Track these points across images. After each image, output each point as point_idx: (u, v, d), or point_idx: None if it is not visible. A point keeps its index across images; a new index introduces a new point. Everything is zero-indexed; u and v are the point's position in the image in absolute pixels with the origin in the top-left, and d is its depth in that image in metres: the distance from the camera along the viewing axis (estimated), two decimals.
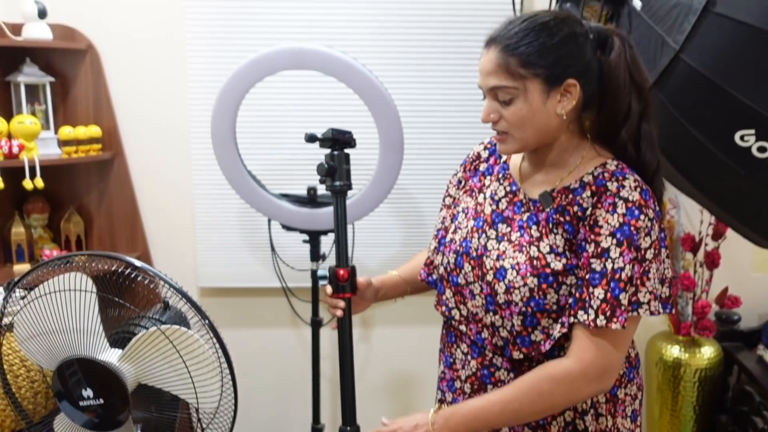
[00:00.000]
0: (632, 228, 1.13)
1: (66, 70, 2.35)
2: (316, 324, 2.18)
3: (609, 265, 1.13)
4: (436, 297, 1.37)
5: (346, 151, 1.35)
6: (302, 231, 2.08)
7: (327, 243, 2.17)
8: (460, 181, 1.43)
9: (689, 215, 2.45)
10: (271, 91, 2.26)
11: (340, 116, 2.31)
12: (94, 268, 1.40)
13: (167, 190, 2.45)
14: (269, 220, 2.22)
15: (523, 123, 1.18)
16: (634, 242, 1.12)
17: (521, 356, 1.22)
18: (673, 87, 1.59)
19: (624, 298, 1.12)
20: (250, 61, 1.84)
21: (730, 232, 2.33)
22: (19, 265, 2.26)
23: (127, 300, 1.39)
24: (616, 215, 1.14)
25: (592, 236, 1.15)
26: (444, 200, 1.46)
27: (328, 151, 1.34)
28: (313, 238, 2.09)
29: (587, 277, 1.14)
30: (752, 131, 1.48)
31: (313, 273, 2.14)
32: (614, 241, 1.13)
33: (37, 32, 2.19)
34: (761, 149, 1.49)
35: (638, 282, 1.13)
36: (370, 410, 1.72)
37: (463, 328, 1.30)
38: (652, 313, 1.15)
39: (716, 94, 1.51)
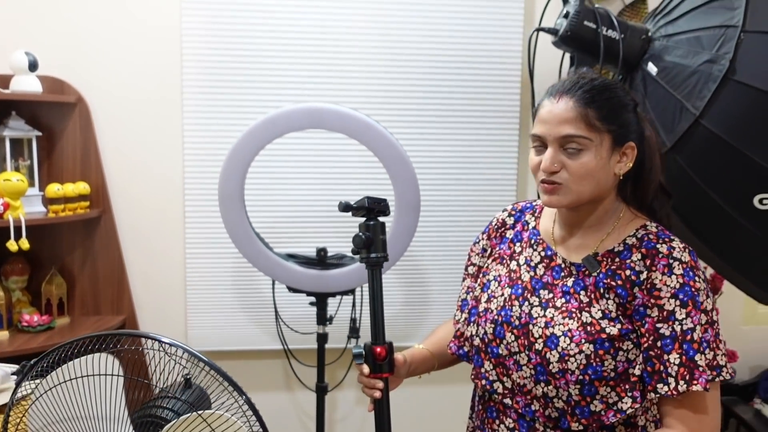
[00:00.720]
0: (693, 289, 1.13)
1: (53, 123, 2.24)
2: (321, 390, 2.09)
3: (678, 327, 1.11)
4: (473, 371, 1.32)
5: (381, 219, 1.31)
6: (309, 293, 2.00)
7: (333, 305, 2.09)
8: (484, 249, 1.40)
9: None
10: (280, 148, 2.20)
11: (349, 174, 2.28)
12: (108, 347, 1.29)
13: (156, 249, 2.34)
14: (273, 282, 2.14)
15: (587, 175, 1.17)
16: (698, 303, 1.12)
17: (580, 428, 1.17)
18: (692, 151, 1.62)
19: (701, 360, 1.10)
20: (266, 119, 1.79)
21: (725, 287, 2.37)
22: None
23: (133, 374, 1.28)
24: (674, 276, 1.13)
25: (653, 300, 1.14)
26: (467, 269, 1.43)
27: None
28: (321, 300, 2.02)
29: (658, 344, 1.12)
30: None
31: (320, 337, 2.05)
32: (677, 302, 1.12)
33: (27, 85, 2.09)
34: None
35: (714, 345, 1.12)
36: None
37: (508, 401, 1.25)
38: (730, 376, 1.14)
39: (736, 157, 1.54)
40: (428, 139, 2.31)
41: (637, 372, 1.16)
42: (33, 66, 2.09)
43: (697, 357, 1.10)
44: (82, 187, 2.19)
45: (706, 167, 1.61)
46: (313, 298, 2.03)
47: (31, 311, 2.20)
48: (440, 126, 2.31)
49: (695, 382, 1.09)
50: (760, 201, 1.56)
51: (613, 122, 1.17)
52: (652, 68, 1.73)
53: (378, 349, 1.24)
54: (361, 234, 1.28)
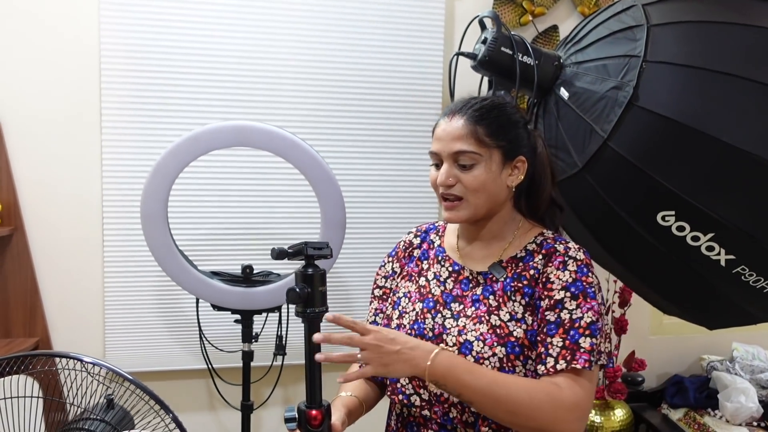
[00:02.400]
0: (584, 284, 1.21)
1: None
2: (246, 408, 2.06)
3: (566, 315, 1.18)
4: (389, 387, 1.35)
5: (322, 267, 1.15)
6: (234, 311, 1.98)
7: (259, 322, 2.08)
8: (394, 272, 1.45)
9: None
10: (205, 164, 2.19)
11: (275, 191, 2.27)
12: (26, 368, 1.25)
13: (72, 268, 2.26)
14: (197, 300, 2.10)
15: (480, 187, 1.26)
16: (589, 295, 1.20)
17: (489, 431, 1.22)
18: (601, 171, 1.72)
19: (584, 342, 1.16)
20: (189, 136, 1.78)
21: (633, 299, 2.50)
22: None
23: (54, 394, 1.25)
24: (567, 272, 1.22)
25: (546, 292, 1.22)
26: (373, 292, 1.47)
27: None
28: (246, 318, 2.01)
29: (544, 329, 1.19)
30: (672, 212, 1.63)
31: (246, 354, 2.03)
32: (568, 294, 1.20)
33: None
34: (680, 228, 1.63)
35: (600, 334, 1.19)
36: None
37: (426, 413, 1.28)
38: (604, 366, 1.23)
39: (640, 177, 1.65)
40: (354, 158, 2.35)
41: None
42: None
43: (581, 340, 1.16)
44: None
45: (614, 186, 1.71)
46: (238, 316, 2.01)
47: None
48: (365, 145, 2.35)
49: (575, 362, 1.15)
50: (663, 218, 1.66)
51: (502, 138, 1.27)
52: (564, 93, 1.83)
53: (313, 413, 1.11)
54: (296, 288, 1.12)
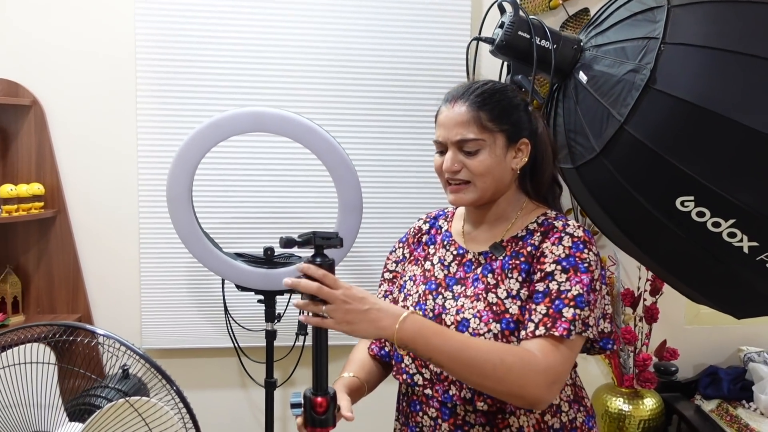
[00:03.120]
0: (577, 259, 1.21)
1: (8, 125, 2.27)
2: (269, 385, 2.13)
3: (553, 286, 1.19)
4: (395, 367, 1.37)
5: (331, 255, 1.13)
6: (257, 291, 2.05)
7: (282, 303, 2.15)
8: (404, 257, 1.48)
9: (627, 272, 2.58)
10: (229, 150, 2.27)
11: (295, 175, 2.33)
12: (46, 336, 1.34)
13: (111, 249, 2.38)
14: (222, 280, 2.18)
15: (486, 172, 1.27)
16: (581, 270, 1.20)
17: (485, 407, 1.24)
18: (618, 155, 1.69)
19: (567, 313, 1.16)
20: (210, 122, 1.84)
21: (666, 288, 2.45)
22: None
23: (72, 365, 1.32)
24: (561, 247, 1.23)
25: (538, 266, 1.23)
26: (383, 275, 1.50)
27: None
28: (269, 298, 2.07)
29: (531, 298, 1.20)
30: (692, 198, 1.59)
31: (269, 334, 2.10)
32: (559, 267, 1.20)
33: None
34: (700, 214, 1.59)
35: (591, 306, 1.19)
36: None
37: (428, 391, 1.30)
38: (593, 341, 1.24)
39: (658, 162, 1.61)
40: (372, 143, 2.37)
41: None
42: None
43: (565, 310, 1.16)
44: (36, 188, 2.22)
45: (631, 171, 1.68)
46: (261, 296, 2.07)
47: None
48: (384, 129, 2.38)
49: (554, 329, 1.14)
50: (682, 203, 1.62)
51: (505, 122, 1.28)
52: (582, 77, 1.80)
53: (318, 400, 1.10)
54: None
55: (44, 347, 1.22)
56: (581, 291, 1.18)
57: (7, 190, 2.13)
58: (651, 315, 2.46)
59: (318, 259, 1.12)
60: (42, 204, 2.26)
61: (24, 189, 2.17)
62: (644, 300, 2.51)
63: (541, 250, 1.24)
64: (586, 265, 1.21)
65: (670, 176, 1.60)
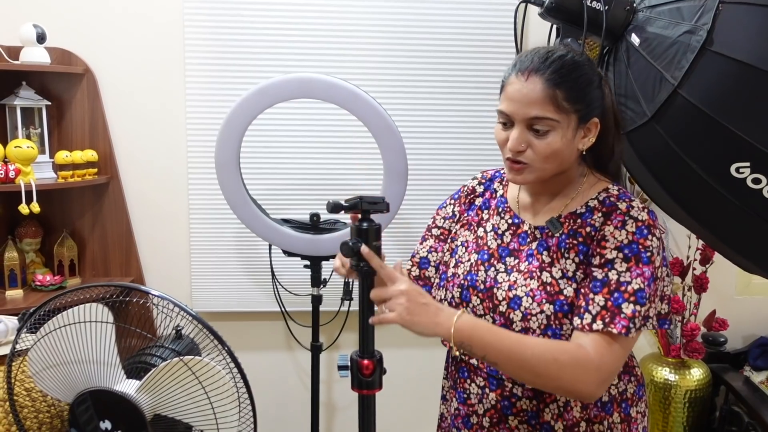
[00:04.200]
0: (640, 247, 1.16)
1: (62, 93, 2.33)
2: (315, 349, 2.18)
3: (613, 276, 1.15)
4: None
5: (378, 220, 1.13)
6: (303, 257, 2.08)
7: (328, 268, 2.18)
8: (453, 214, 1.43)
9: (677, 241, 2.53)
10: (276, 117, 2.29)
11: (341, 142, 2.34)
12: (103, 297, 1.39)
13: (162, 214, 2.44)
14: (270, 245, 2.23)
15: (552, 155, 1.19)
16: (643, 261, 1.15)
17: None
18: (671, 120, 1.64)
19: (627, 309, 1.13)
20: (258, 89, 1.86)
21: (716, 257, 2.40)
22: (11, 290, 2.23)
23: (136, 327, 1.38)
24: (624, 231, 1.18)
25: (598, 249, 1.18)
26: (430, 230, 1.45)
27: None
28: (315, 263, 2.10)
29: (589, 284, 1.16)
30: (747, 164, 1.54)
31: (315, 298, 2.14)
32: (620, 255, 1.16)
33: (35, 56, 2.18)
34: (756, 181, 1.54)
35: (651, 299, 1.16)
36: None
37: (475, 361, 1.30)
38: (653, 327, 1.19)
39: (713, 127, 1.56)
40: (419, 110, 2.36)
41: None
42: (41, 38, 2.18)
43: (624, 306, 1.13)
44: (90, 155, 2.29)
45: (684, 137, 1.64)
46: (307, 262, 2.11)
47: (44, 272, 2.33)
48: (431, 96, 2.36)
49: (612, 325, 1.12)
50: (737, 170, 1.57)
51: (581, 102, 1.18)
52: (635, 39, 1.75)
53: (365, 362, 1.11)
54: (349, 242, 1.11)
55: (102, 307, 1.28)
56: (642, 285, 1.14)
57: (63, 156, 2.20)
58: (700, 284, 2.42)
59: (365, 224, 1.12)
60: (96, 170, 2.33)
61: (78, 155, 2.24)
62: (693, 269, 2.46)
63: (603, 233, 1.19)
64: (648, 254, 1.16)
65: (725, 142, 1.55)
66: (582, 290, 1.17)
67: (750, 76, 1.50)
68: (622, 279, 1.14)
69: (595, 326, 1.12)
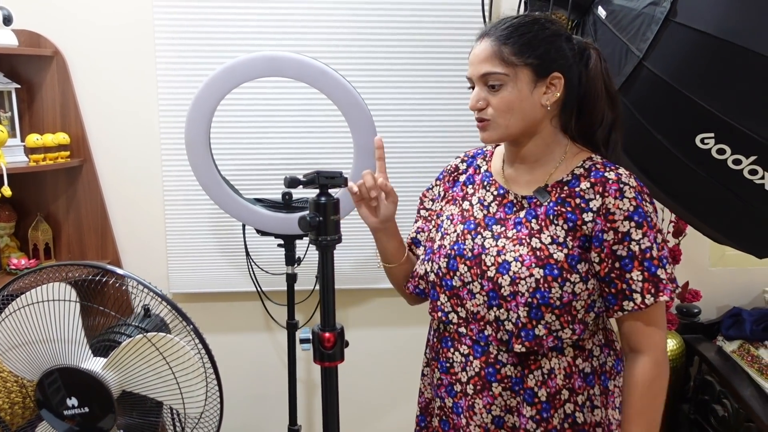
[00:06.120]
0: (645, 211, 1.21)
1: (32, 76, 2.31)
2: (291, 327, 2.20)
3: (635, 247, 1.20)
4: (430, 304, 1.38)
5: (336, 195, 1.16)
6: (277, 236, 2.09)
7: (302, 246, 2.18)
8: (440, 195, 1.46)
9: None
10: (247, 97, 2.28)
11: (313, 121, 2.33)
12: (69, 277, 1.40)
13: (137, 196, 2.43)
14: (243, 225, 2.23)
15: (509, 109, 1.24)
16: (651, 224, 1.21)
17: (523, 350, 1.24)
18: (637, 93, 1.65)
19: (662, 273, 1.20)
20: (225, 67, 1.85)
21: (689, 230, 2.43)
22: None
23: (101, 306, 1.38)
24: (626, 200, 1.21)
25: (609, 224, 1.21)
26: (419, 212, 1.50)
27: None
28: (288, 242, 2.11)
29: (617, 265, 1.21)
30: (712, 135, 1.55)
31: (289, 277, 2.15)
32: (633, 224, 1.20)
33: (3, 39, 2.15)
34: (720, 151, 1.56)
35: (669, 261, 1.23)
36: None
37: (462, 330, 1.31)
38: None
39: (678, 99, 1.57)
40: (388, 86, 2.36)
41: (578, 306, 1.23)
42: (8, 20, 2.15)
43: (659, 272, 1.20)
44: (61, 138, 2.27)
45: (650, 109, 1.65)
46: (281, 241, 2.11)
47: (19, 256, 2.32)
48: (400, 73, 2.35)
49: (661, 293, 1.19)
50: (702, 141, 1.59)
51: (530, 55, 1.23)
52: (601, 12, 1.75)
53: (326, 335, 1.14)
54: (306, 217, 1.14)
55: (66, 286, 1.28)
56: (659, 249, 1.21)
57: (33, 139, 2.18)
58: (673, 257, 2.45)
59: (323, 199, 1.12)
60: (68, 153, 2.32)
61: (50, 138, 2.22)
62: (666, 242, 2.49)
63: (606, 207, 1.22)
64: (650, 219, 1.22)
65: (689, 113, 1.57)
66: (612, 273, 1.22)
67: (712, 47, 1.51)
68: (643, 246, 1.20)
69: (647, 301, 1.19)
